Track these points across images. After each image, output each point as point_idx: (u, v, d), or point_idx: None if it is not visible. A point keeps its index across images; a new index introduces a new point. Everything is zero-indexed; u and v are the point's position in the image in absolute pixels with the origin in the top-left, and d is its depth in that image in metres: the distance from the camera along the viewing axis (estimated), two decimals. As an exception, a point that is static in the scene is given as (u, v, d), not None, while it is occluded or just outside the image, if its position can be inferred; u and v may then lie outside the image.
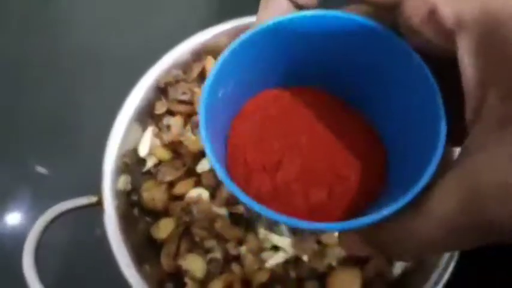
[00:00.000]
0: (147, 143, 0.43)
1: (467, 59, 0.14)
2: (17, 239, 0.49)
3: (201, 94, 0.18)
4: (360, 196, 0.19)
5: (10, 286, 0.46)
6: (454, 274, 0.36)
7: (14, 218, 0.51)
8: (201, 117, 0.18)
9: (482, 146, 0.14)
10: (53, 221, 0.37)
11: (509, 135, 0.13)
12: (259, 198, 0.18)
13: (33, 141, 0.55)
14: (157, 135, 0.43)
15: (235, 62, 0.19)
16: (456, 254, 0.37)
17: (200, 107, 0.18)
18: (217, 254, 0.40)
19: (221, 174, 0.17)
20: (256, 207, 0.17)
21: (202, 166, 0.43)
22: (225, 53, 0.18)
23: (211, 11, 0.60)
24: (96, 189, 0.39)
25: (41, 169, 0.53)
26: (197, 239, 0.41)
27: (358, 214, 0.18)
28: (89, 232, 0.48)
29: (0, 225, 0.50)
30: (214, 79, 0.18)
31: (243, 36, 0.18)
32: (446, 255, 0.37)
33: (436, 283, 0.36)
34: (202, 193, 0.42)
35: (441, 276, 0.36)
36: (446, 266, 0.37)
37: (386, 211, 0.15)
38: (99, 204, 0.38)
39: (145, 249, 0.40)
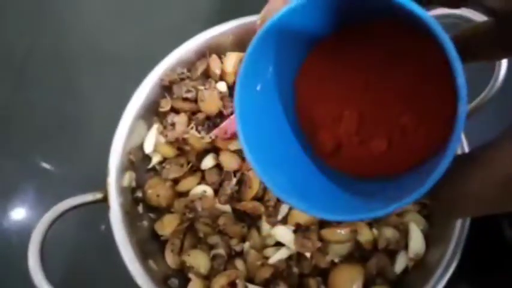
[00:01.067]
0: (152, 140, 0.43)
1: None
2: (22, 235, 0.49)
3: (234, 97, 0.19)
4: (421, 145, 0.18)
5: (16, 281, 0.47)
6: (455, 273, 0.37)
7: (19, 215, 0.51)
8: (237, 122, 0.19)
9: None
10: (58, 217, 0.38)
11: None
12: (323, 155, 0.20)
13: (39, 138, 0.55)
14: (162, 132, 0.44)
15: (263, 51, 0.19)
16: (458, 254, 0.37)
17: (235, 109, 0.19)
18: (221, 250, 0.40)
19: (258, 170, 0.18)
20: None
21: (206, 163, 0.43)
22: (249, 49, 0.19)
23: (215, 10, 0.60)
24: (101, 186, 0.40)
25: (46, 166, 0.53)
26: (201, 235, 0.41)
27: (423, 165, 0.18)
28: (94, 229, 0.48)
29: (6, 222, 0.51)
30: (242, 79, 0.19)
31: (267, 25, 0.18)
32: (449, 253, 0.37)
33: (438, 281, 0.37)
34: (206, 190, 0.42)
35: (443, 274, 0.37)
36: (448, 264, 0.37)
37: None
38: (104, 200, 0.39)
39: (150, 245, 0.41)
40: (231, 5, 0.60)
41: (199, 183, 0.43)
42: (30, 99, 0.57)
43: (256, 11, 0.46)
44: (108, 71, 0.57)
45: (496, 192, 0.15)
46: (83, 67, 0.58)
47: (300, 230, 0.40)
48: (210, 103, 0.44)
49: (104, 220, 0.39)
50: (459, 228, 0.38)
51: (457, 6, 0.17)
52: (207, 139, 0.43)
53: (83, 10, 0.63)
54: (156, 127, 0.44)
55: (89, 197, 0.39)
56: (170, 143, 0.43)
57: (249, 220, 0.42)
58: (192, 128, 0.44)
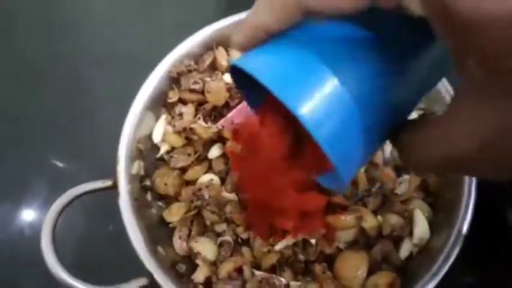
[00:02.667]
0: (160, 130, 0.44)
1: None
2: (34, 228, 0.51)
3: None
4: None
5: (29, 272, 0.48)
6: (458, 258, 0.37)
7: (31, 207, 0.52)
8: None
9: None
10: (69, 203, 0.39)
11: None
12: None
13: (49, 134, 0.56)
14: (170, 122, 0.45)
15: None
16: (461, 239, 0.37)
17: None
18: (228, 237, 0.41)
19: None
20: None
21: (213, 153, 0.44)
22: None
23: (222, 4, 0.61)
24: (111, 178, 0.40)
25: (56, 161, 0.54)
26: (208, 222, 0.42)
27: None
28: (103, 218, 0.49)
29: (18, 215, 0.52)
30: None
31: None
32: (452, 239, 0.38)
33: (441, 266, 0.37)
34: (213, 179, 0.43)
35: (446, 260, 0.37)
36: (451, 250, 0.37)
37: None
38: (114, 187, 0.40)
39: (158, 232, 0.42)
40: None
41: (206, 172, 0.44)
42: (40, 96, 0.58)
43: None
44: (117, 66, 0.58)
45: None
46: (92, 63, 0.60)
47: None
48: (217, 94, 0.45)
49: (114, 210, 0.40)
50: (462, 214, 0.38)
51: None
52: (214, 129, 0.44)
53: (93, 7, 0.64)
54: (164, 117, 0.45)
55: (99, 184, 0.40)
56: (178, 132, 0.44)
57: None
58: (199, 118, 0.45)
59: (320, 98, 0.18)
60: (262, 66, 0.19)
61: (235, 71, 0.22)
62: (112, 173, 0.40)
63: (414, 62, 0.20)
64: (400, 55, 0.20)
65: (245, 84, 0.24)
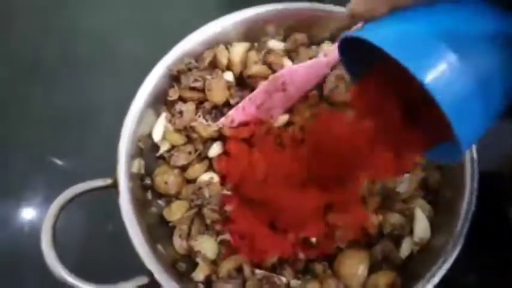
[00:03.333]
0: (160, 129, 0.44)
1: None
2: (34, 227, 0.51)
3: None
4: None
5: (29, 269, 0.48)
6: (459, 257, 0.37)
7: (31, 206, 0.52)
8: None
9: None
10: (69, 201, 0.39)
11: None
12: None
13: (50, 132, 0.56)
14: (170, 121, 0.45)
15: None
16: (462, 238, 0.37)
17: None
18: (228, 236, 0.41)
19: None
20: None
21: (214, 151, 0.44)
22: None
23: (222, 1, 0.61)
24: (111, 176, 0.40)
25: (56, 160, 0.54)
26: (208, 221, 0.42)
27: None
28: (104, 217, 0.49)
29: (18, 213, 0.52)
30: None
31: None
32: (453, 238, 0.37)
33: (442, 266, 0.37)
34: (213, 177, 0.43)
35: (447, 259, 0.37)
36: (452, 249, 0.37)
37: None
38: (114, 186, 0.40)
39: (158, 231, 0.42)
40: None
41: (206, 171, 0.44)
42: (41, 94, 0.58)
43: (262, 1, 0.47)
44: (117, 64, 0.58)
45: None
46: (93, 61, 0.60)
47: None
48: (217, 92, 0.45)
49: (113, 209, 0.40)
50: (463, 213, 0.38)
51: None
52: (214, 127, 0.44)
53: (93, 5, 0.64)
54: (164, 116, 0.45)
55: (99, 182, 0.39)
56: (178, 131, 0.44)
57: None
58: (199, 116, 0.45)
59: (441, 68, 0.20)
60: (390, 40, 0.21)
61: (345, 44, 0.25)
62: (112, 172, 0.40)
63: None
64: None
65: (350, 56, 0.27)
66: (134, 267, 0.38)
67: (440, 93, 0.20)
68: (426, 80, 0.20)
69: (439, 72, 0.20)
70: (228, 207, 0.41)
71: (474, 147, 0.40)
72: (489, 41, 0.21)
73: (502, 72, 0.21)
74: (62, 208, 0.38)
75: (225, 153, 0.44)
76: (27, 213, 0.52)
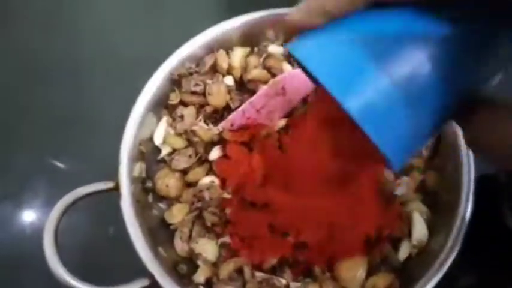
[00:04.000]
0: (161, 132, 0.45)
1: None
2: (35, 228, 0.51)
3: None
4: None
5: (31, 272, 0.48)
6: (457, 260, 0.37)
7: (32, 209, 0.53)
8: None
9: None
10: (71, 205, 0.39)
11: None
12: None
13: (51, 135, 0.56)
14: (171, 124, 0.45)
15: None
16: (460, 241, 0.38)
17: None
18: (228, 239, 0.41)
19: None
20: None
21: (214, 154, 0.44)
22: None
23: (223, 6, 0.61)
24: (112, 179, 0.41)
25: (57, 162, 0.55)
26: (209, 224, 0.42)
27: None
28: (105, 220, 0.50)
29: (20, 216, 0.52)
30: None
31: None
32: (450, 241, 0.38)
33: (440, 268, 0.37)
34: (214, 180, 0.43)
35: (445, 261, 0.37)
36: (449, 251, 0.38)
37: None
38: (116, 189, 0.40)
39: (160, 233, 0.42)
40: (238, 1, 0.61)
41: (207, 174, 0.44)
42: (42, 97, 0.58)
43: (262, 7, 0.47)
44: (119, 68, 0.58)
45: None
46: (94, 65, 0.60)
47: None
48: (218, 96, 0.45)
49: (114, 211, 0.40)
50: (461, 215, 0.38)
51: None
52: (215, 131, 0.44)
53: (95, 8, 0.64)
54: (165, 119, 0.45)
55: (101, 185, 0.40)
56: (179, 134, 0.45)
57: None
58: (200, 120, 0.45)
59: (366, 91, 0.18)
60: (312, 55, 0.20)
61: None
62: (113, 175, 0.41)
63: (482, 52, 0.19)
64: (465, 47, 0.19)
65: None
66: (135, 269, 0.38)
67: (361, 117, 0.18)
68: (345, 102, 0.18)
69: (361, 95, 0.18)
70: (228, 210, 0.42)
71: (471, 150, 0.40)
72: (417, 52, 0.19)
73: (432, 87, 0.19)
74: (65, 211, 0.38)
75: (225, 156, 0.44)
76: (29, 216, 0.52)
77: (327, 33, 0.20)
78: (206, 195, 0.42)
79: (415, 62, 0.19)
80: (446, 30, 0.19)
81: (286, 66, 0.47)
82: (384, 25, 0.19)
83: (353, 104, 0.18)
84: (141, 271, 0.38)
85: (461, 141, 0.41)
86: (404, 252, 0.40)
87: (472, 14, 0.19)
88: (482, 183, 0.39)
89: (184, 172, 0.44)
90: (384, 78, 0.18)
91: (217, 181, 0.44)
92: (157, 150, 0.46)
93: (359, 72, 0.18)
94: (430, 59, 0.19)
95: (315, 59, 0.19)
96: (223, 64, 0.47)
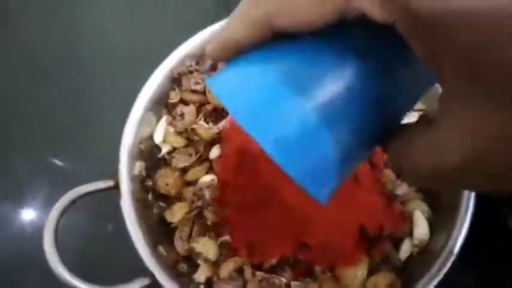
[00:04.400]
0: (161, 131, 0.44)
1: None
2: (35, 227, 0.51)
3: None
4: None
5: (31, 272, 0.48)
6: (458, 260, 0.37)
7: (32, 208, 0.52)
8: None
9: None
10: (71, 203, 0.39)
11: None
12: None
13: (51, 134, 0.56)
14: (171, 123, 0.45)
15: None
16: (460, 240, 0.38)
17: None
18: (228, 237, 0.41)
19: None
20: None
21: (214, 153, 0.44)
22: None
23: (223, 4, 0.61)
24: (112, 178, 0.41)
25: (58, 162, 0.55)
26: (209, 223, 0.42)
27: None
28: (105, 220, 0.50)
29: (18, 215, 0.52)
30: None
31: None
32: (452, 240, 0.38)
33: (441, 267, 0.37)
34: (214, 179, 0.43)
35: (446, 261, 0.37)
36: (450, 251, 0.38)
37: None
38: (115, 188, 0.40)
39: (160, 232, 0.42)
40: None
41: (207, 173, 0.44)
42: (41, 97, 0.58)
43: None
44: (118, 66, 0.58)
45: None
46: (94, 63, 0.60)
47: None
48: (218, 95, 0.45)
49: (114, 210, 0.40)
50: (462, 215, 0.38)
51: None
52: (215, 130, 0.44)
53: (95, 8, 0.64)
54: (165, 118, 0.45)
55: (100, 184, 0.40)
56: (179, 133, 0.44)
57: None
58: (200, 118, 0.45)
59: (285, 126, 0.17)
60: (224, 89, 0.19)
61: None
62: (112, 173, 0.40)
63: (395, 73, 0.19)
64: (378, 68, 0.19)
65: None
66: (135, 268, 0.38)
67: (274, 151, 0.17)
68: (256, 136, 0.17)
69: (279, 134, 0.17)
70: (229, 209, 0.42)
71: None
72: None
73: (350, 111, 0.18)
74: (64, 210, 0.38)
75: (225, 155, 0.44)
76: (29, 215, 0.52)
77: (239, 66, 0.19)
78: (206, 193, 0.42)
79: (331, 86, 0.18)
80: (352, 56, 0.18)
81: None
82: (294, 53, 0.19)
83: (265, 137, 0.17)
84: (141, 270, 0.38)
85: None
86: (405, 251, 0.40)
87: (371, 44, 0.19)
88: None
89: (184, 171, 0.44)
90: (299, 106, 0.17)
91: (217, 179, 0.43)
92: (157, 148, 0.45)
93: (272, 102, 0.18)
94: (344, 81, 0.18)
95: (226, 94, 0.18)
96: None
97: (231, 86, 0.19)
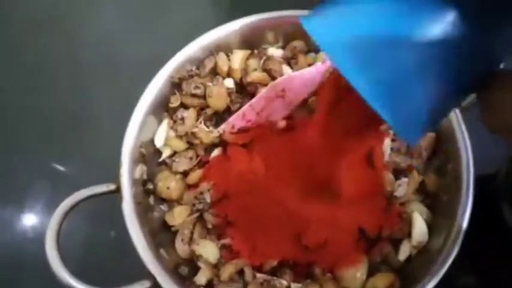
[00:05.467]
0: (162, 135, 0.45)
1: None
2: (36, 231, 0.51)
3: None
4: None
5: (32, 276, 0.48)
6: (457, 259, 0.38)
7: (33, 212, 0.53)
8: None
9: None
10: (73, 207, 0.39)
11: None
12: None
13: (51, 138, 0.57)
14: (172, 127, 0.45)
15: None
16: (459, 240, 0.38)
17: None
18: (229, 240, 0.41)
19: None
20: None
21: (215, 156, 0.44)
22: None
23: (223, 9, 0.62)
24: (113, 181, 0.41)
25: (59, 166, 0.55)
26: (210, 225, 0.42)
27: None
28: (106, 223, 0.50)
29: (20, 219, 0.52)
30: None
31: None
32: (450, 240, 0.38)
33: (440, 268, 0.37)
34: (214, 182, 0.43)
35: (445, 261, 0.37)
36: (449, 251, 0.38)
37: None
38: (117, 191, 0.40)
39: (161, 235, 0.42)
40: (238, 4, 0.61)
41: (207, 176, 0.44)
42: (43, 100, 0.59)
43: (262, 9, 0.48)
44: (119, 71, 0.59)
45: None
46: (95, 68, 0.60)
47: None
48: (218, 99, 0.46)
49: (115, 214, 0.40)
50: (460, 215, 0.39)
51: None
52: (215, 133, 0.45)
53: (95, 12, 0.65)
54: (166, 122, 0.46)
55: (102, 188, 0.40)
56: (180, 137, 0.45)
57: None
58: (200, 122, 0.45)
59: (382, 70, 0.18)
60: (323, 31, 0.19)
61: None
62: (113, 177, 0.41)
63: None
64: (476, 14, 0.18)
65: None
66: (137, 271, 0.38)
67: (371, 95, 0.17)
68: (355, 80, 0.17)
69: (370, 72, 0.17)
70: (229, 213, 0.42)
71: (470, 149, 0.40)
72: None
73: (447, 62, 0.18)
74: (66, 214, 0.38)
75: (226, 158, 0.45)
76: (30, 219, 0.52)
77: (340, 6, 0.19)
78: (207, 196, 0.42)
79: (429, 33, 0.18)
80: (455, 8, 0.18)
81: (286, 69, 0.47)
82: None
83: (363, 82, 0.17)
84: (143, 273, 0.38)
85: (461, 142, 0.41)
86: (404, 252, 0.41)
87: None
88: (481, 183, 0.40)
89: (185, 174, 0.45)
90: (397, 52, 0.18)
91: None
92: (158, 152, 0.46)
93: (371, 47, 0.18)
94: (445, 34, 0.18)
95: (324, 35, 0.18)
96: (224, 67, 0.47)
97: (328, 26, 0.19)
